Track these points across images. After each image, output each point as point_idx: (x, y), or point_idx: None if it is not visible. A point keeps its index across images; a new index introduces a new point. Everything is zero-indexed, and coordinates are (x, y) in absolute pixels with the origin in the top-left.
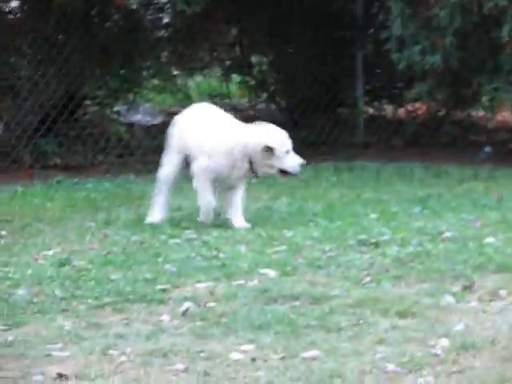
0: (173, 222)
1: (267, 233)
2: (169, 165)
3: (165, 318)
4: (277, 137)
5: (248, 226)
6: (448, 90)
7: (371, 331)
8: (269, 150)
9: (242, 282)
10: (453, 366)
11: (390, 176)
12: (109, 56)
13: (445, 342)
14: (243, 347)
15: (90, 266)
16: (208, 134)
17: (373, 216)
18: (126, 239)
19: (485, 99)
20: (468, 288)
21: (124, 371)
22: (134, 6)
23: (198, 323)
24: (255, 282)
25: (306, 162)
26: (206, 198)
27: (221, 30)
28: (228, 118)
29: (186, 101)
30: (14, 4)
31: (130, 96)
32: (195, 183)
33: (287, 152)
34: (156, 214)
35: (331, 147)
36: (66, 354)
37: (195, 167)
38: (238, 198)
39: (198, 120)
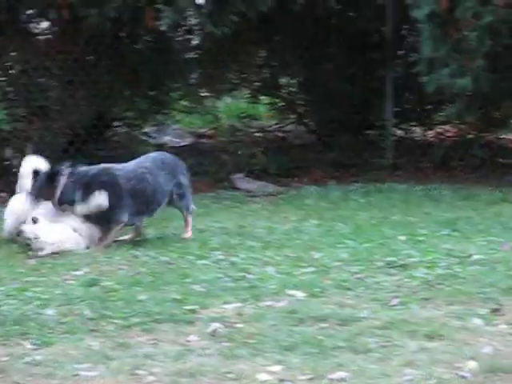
0: (201, 242)
1: (295, 254)
2: None
3: (193, 338)
4: None
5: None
6: (477, 113)
7: (399, 353)
8: None
9: (270, 303)
10: None
11: (419, 198)
12: (138, 77)
13: (473, 364)
14: (271, 368)
15: (118, 287)
16: None
17: (401, 238)
18: (155, 260)
19: None
20: (496, 311)
21: None
22: (164, 28)
23: (226, 344)
24: (283, 303)
25: None
26: None
27: (249, 52)
28: None
29: (215, 122)
30: (44, 25)
31: (159, 117)
32: None
33: None
34: None
35: (360, 169)
36: (95, 373)
37: None
38: None
39: None
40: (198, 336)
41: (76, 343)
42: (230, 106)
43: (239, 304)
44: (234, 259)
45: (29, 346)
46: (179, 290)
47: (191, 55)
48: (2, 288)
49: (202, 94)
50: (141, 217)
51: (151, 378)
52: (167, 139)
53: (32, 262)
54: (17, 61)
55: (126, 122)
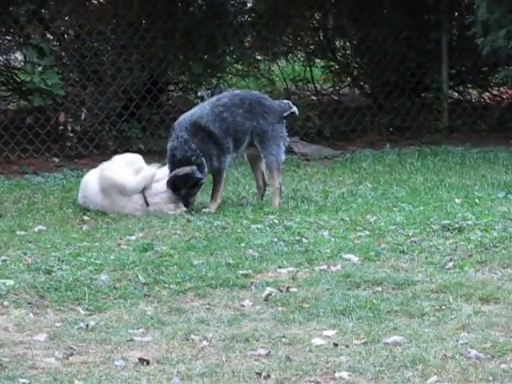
0: (255, 206)
1: (350, 218)
2: None
3: (247, 303)
4: None
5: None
6: None
7: (454, 317)
8: None
9: (324, 267)
10: None
11: (475, 161)
12: (192, 41)
13: None
14: (325, 332)
15: (172, 252)
16: None
17: (457, 201)
18: (209, 224)
19: None
20: None
21: (206, 356)
22: None
23: (280, 308)
24: (338, 267)
25: None
26: None
27: (304, 15)
28: None
29: (270, 85)
30: None
31: (214, 81)
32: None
33: None
34: None
35: (416, 132)
36: (148, 338)
37: None
38: None
39: None
40: (252, 301)
41: (130, 308)
42: (284, 69)
43: (293, 268)
44: (288, 223)
45: (82, 312)
46: (233, 254)
47: (245, 18)
48: (56, 253)
49: (257, 58)
50: None
51: (205, 342)
52: None
53: (86, 227)
54: (70, 25)
55: (180, 85)
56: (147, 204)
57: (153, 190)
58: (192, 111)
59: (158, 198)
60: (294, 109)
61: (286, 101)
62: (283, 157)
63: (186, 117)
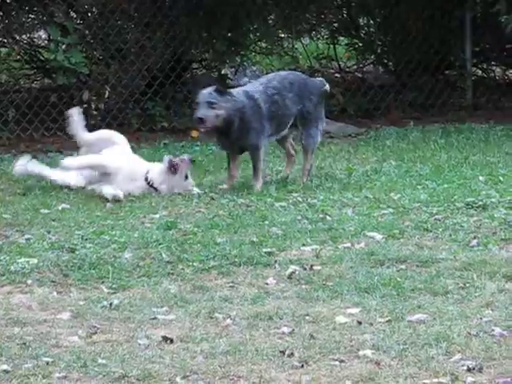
0: (279, 184)
1: (374, 195)
2: None
3: (270, 281)
4: None
5: None
6: None
7: (478, 294)
8: None
9: (348, 244)
10: None
11: (499, 138)
12: (216, 19)
13: None
14: (349, 310)
15: (196, 230)
16: None
17: (481, 178)
18: (233, 202)
19: None
20: None
21: (229, 334)
22: None
23: (304, 286)
24: (362, 244)
25: None
26: None
27: None
28: None
29: (293, 63)
30: None
31: (237, 59)
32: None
33: None
34: None
35: (439, 109)
36: (172, 317)
37: None
38: None
39: None
40: (276, 279)
41: (153, 287)
42: (308, 46)
43: (317, 246)
44: (312, 201)
45: (106, 290)
46: (257, 232)
47: None
48: (80, 232)
49: (280, 35)
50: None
51: (228, 321)
52: (245, 81)
53: (109, 205)
54: (94, 3)
55: (203, 63)
56: (156, 190)
57: (158, 178)
58: (245, 87)
59: (163, 186)
60: (327, 86)
61: (320, 78)
62: (319, 139)
63: (241, 88)
